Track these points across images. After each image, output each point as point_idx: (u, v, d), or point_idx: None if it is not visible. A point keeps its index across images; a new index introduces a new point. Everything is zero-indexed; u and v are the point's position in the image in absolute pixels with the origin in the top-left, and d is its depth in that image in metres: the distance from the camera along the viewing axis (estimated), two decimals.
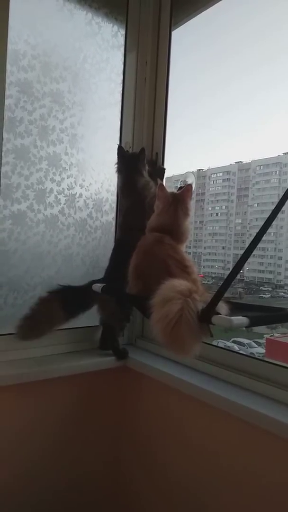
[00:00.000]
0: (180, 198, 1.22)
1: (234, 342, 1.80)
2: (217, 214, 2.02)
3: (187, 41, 1.79)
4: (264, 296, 1.80)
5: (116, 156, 1.52)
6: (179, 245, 1.19)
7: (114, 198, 1.72)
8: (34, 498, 1.45)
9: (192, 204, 1.27)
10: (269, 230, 0.88)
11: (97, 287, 1.26)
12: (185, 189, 1.23)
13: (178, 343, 0.90)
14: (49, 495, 1.48)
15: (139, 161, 1.48)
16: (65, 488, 1.53)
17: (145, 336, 1.73)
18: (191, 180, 1.81)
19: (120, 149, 1.52)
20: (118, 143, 1.72)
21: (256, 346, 1.79)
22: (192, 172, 1.90)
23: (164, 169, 1.70)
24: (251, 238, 0.87)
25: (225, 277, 0.89)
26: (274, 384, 1.21)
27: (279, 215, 0.90)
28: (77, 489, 1.57)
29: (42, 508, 1.47)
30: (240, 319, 0.85)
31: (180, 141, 1.83)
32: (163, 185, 1.27)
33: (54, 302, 1.41)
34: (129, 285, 1.18)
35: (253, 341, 1.80)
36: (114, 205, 1.72)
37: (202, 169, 2.06)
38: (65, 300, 1.43)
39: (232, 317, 0.85)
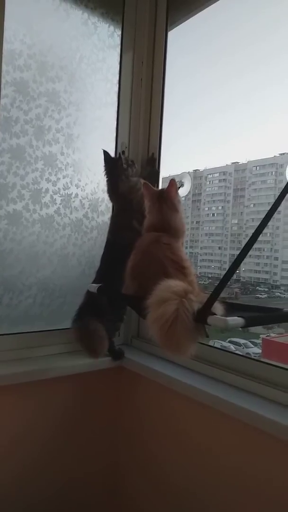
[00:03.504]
0: (165, 194, 1.22)
1: (231, 342, 1.80)
2: (213, 214, 2.02)
3: (183, 41, 1.79)
4: (260, 296, 1.81)
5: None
6: (177, 243, 1.18)
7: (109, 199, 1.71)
8: (31, 498, 1.44)
9: (180, 199, 1.26)
10: (265, 230, 0.88)
11: (93, 287, 1.26)
12: (169, 185, 1.22)
13: (174, 343, 0.90)
14: (47, 496, 1.48)
15: (117, 166, 1.48)
16: (63, 488, 1.52)
17: (141, 336, 1.73)
18: (187, 180, 1.81)
19: (104, 154, 1.51)
20: (114, 143, 1.73)
21: (252, 346, 1.79)
22: (188, 172, 1.90)
23: (158, 171, 1.70)
24: (247, 239, 0.87)
25: (221, 277, 0.89)
26: (270, 384, 1.21)
27: (275, 216, 0.90)
28: (75, 489, 1.56)
29: (40, 508, 1.47)
30: (235, 320, 0.85)
31: (176, 141, 1.82)
32: (147, 184, 1.26)
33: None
34: (125, 285, 1.18)
35: (249, 341, 1.80)
36: (110, 205, 1.72)
37: (199, 170, 2.06)
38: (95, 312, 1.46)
39: (227, 318, 0.85)
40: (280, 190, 0.90)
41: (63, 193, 1.59)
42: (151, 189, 1.25)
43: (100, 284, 1.29)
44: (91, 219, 1.68)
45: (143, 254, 1.16)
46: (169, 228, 1.19)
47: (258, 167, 1.85)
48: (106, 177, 1.51)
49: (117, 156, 1.53)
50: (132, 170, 1.52)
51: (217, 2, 1.57)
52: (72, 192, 1.62)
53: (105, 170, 1.51)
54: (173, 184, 1.22)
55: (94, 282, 1.43)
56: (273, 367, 1.24)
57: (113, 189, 1.50)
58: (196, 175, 2.03)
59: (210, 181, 2.04)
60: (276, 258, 1.74)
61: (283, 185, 0.91)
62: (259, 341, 1.78)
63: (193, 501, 1.33)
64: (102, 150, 1.51)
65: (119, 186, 1.47)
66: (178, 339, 0.88)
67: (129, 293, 1.16)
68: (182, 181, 1.78)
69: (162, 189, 1.24)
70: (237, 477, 1.20)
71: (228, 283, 0.89)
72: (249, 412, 1.12)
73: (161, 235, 1.17)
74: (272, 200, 0.89)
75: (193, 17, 1.70)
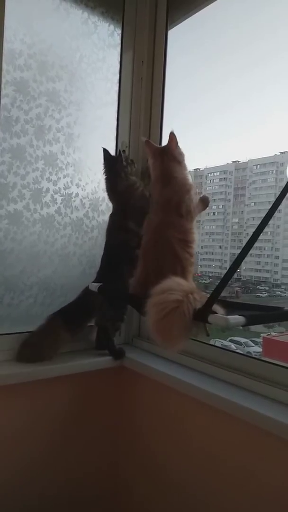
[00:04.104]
0: (166, 147, 1.24)
1: (231, 341, 1.80)
2: (214, 213, 2.02)
3: (184, 40, 1.79)
4: (261, 295, 1.81)
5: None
6: (184, 221, 1.19)
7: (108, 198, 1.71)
8: (31, 498, 1.45)
9: (182, 152, 1.27)
10: (266, 229, 0.88)
11: (94, 286, 1.26)
12: (169, 138, 1.24)
13: (165, 332, 0.90)
14: (48, 495, 1.48)
15: (117, 164, 1.48)
16: (63, 489, 1.52)
17: (142, 336, 1.73)
18: None
19: (104, 152, 1.51)
20: (115, 142, 1.73)
21: (253, 345, 1.79)
22: (189, 171, 1.90)
23: None
24: (248, 237, 0.87)
25: (222, 276, 0.89)
26: (271, 383, 1.21)
27: (276, 214, 0.90)
28: (75, 490, 1.56)
29: (41, 508, 1.47)
30: (236, 318, 0.85)
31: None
32: (149, 141, 1.29)
33: (56, 324, 1.44)
34: (138, 263, 1.22)
35: (250, 340, 1.80)
36: (111, 205, 1.72)
37: (199, 169, 2.06)
38: (66, 318, 1.45)
39: (228, 316, 0.85)
40: (281, 189, 0.90)
41: (64, 193, 1.59)
42: (152, 146, 1.28)
43: (101, 284, 1.29)
44: (91, 218, 1.68)
45: (151, 236, 1.19)
46: (172, 179, 1.21)
47: (258, 166, 1.85)
48: (105, 175, 1.51)
49: (117, 153, 1.53)
50: (132, 169, 1.52)
51: (217, 1, 1.57)
52: (72, 192, 1.62)
53: (104, 168, 1.51)
54: (173, 137, 1.23)
55: (94, 282, 1.43)
56: (274, 366, 1.24)
57: (111, 187, 1.51)
58: (197, 174, 2.03)
59: (210, 180, 2.04)
60: (277, 257, 1.74)
61: (283, 183, 0.91)
62: (259, 340, 1.78)
63: (194, 501, 1.33)
64: (102, 148, 1.51)
65: (118, 183, 1.47)
66: (171, 328, 0.88)
67: (140, 271, 1.18)
68: None
69: (164, 145, 1.27)
70: (238, 477, 1.20)
71: (229, 282, 0.89)
72: (250, 411, 1.12)
73: (168, 216, 1.17)
74: (273, 199, 0.89)
75: (193, 16, 1.70)
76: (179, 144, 1.27)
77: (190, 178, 1.26)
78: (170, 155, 1.23)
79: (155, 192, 1.25)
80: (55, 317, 1.45)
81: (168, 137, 1.24)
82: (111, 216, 1.55)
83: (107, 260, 1.49)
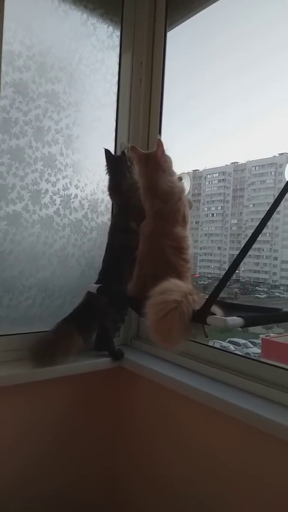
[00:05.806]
0: (151, 155, 1.20)
1: (230, 342, 1.80)
2: (212, 214, 2.02)
3: (182, 41, 1.79)
4: (259, 296, 1.81)
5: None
6: (175, 228, 1.18)
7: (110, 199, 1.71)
8: (29, 500, 1.44)
9: (169, 159, 1.22)
10: (265, 230, 0.88)
11: (93, 287, 1.26)
12: (156, 145, 1.20)
13: (165, 332, 0.90)
14: (46, 497, 1.48)
15: (122, 163, 1.48)
16: (61, 490, 1.52)
17: (140, 337, 1.73)
18: (186, 181, 1.81)
19: (106, 152, 1.51)
20: (113, 144, 1.73)
21: (252, 346, 1.79)
22: (188, 172, 1.90)
23: None
24: (247, 239, 0.87)
25: (221, 277, 0.89)
26: (269, 384, 1.21)
27: (275, 216, 0.90)
28: (74, 491, 1.56)
29: (39, 509, 1.47)
30: (235, 320, 0.85)
31: (175, 141, 1.82)
32: (134, 147, 1.25)
33: (71, 329, 1.43)
34: (135, 268, 1.21)
35: (249, 341, 1.80)
36: (110, 206, 1.72)
37: (198, 170, 2.06)
38: (78, 323, 1.45)
39: (227, 318, 0.85)
40: (280, 190, 0.90)
41: (63, 194, 1.60)
42: (138, 152, 1.24)
43: (99, 285, 1.29)
44: (90, 219, 1.68)
45: (145, 244, 1.18)
46: (156, 190, 1.17)
47: (257, 167, 1.85)
48: (109, 176, 1.50)
49: (121, 153, 1.52)
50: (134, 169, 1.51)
51: (216, 3, 1.58)
52: (71, 193, 1.62)
53: (107, 168, 1.50)
54: (159, 144, 1.20)
55: (96, 283, 1.43)
56: (273, 367, 1.24)
57: (115, 187, 1.49)
58: (196, 175, 2.03)
59: (209, 181, 2.04)
60: (276, 258, 1.74)
61: (282, 185, 0.91)
62: (258, 341, 1.78)
63: (193, 502, 1.33)
64: (104, 149, 1.50)
65: (122, 183, 1.46)
66: (170, 328, 0.88)
67: (137, 277, 1.17)
68: (182, 181, 1.78)
69: (150, 151, 1.23)
70: (237, 478, 1.20)
71: (228, 283, 0.90)
72: (248, 412, 1.13)
73: (159, 226, 1.17)
74: (272, 200, 0.89)
75: (192, 18, 1.70)
76: (174, 148, 1.24)
77: (178, 184, 1.23)
78: (155, 163, 1.19)
79: (145, 202, 1.23)
80: (68, 322, 1.45)
81: (156, 145, 1.21)
82: (113, 217, 1.54)
83: (108, 261, 1.49)
